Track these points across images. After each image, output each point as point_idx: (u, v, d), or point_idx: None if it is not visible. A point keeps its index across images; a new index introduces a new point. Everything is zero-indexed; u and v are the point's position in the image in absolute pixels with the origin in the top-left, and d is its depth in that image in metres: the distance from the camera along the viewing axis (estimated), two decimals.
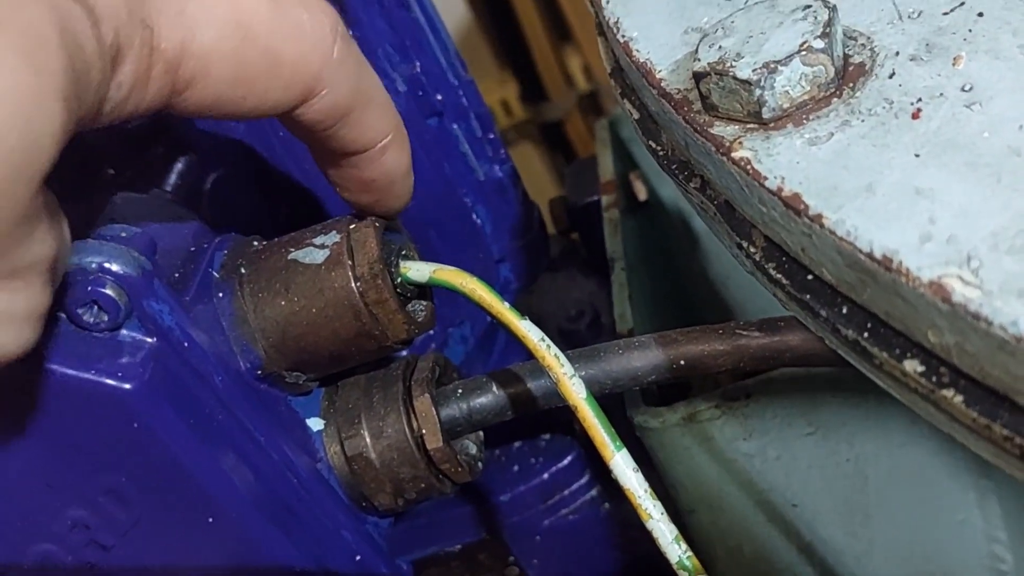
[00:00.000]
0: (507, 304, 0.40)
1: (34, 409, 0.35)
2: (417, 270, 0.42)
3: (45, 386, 0.35)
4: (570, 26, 1.40)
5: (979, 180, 0.26)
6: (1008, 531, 0.48)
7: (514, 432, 0.59)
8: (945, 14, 0.32)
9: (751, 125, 0.32)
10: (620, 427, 0.39)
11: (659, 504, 0.38)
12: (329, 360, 0.43)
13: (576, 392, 0.39)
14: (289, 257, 0.42)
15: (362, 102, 0.38)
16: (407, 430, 0.44)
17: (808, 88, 0.31)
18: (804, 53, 0.31)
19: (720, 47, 0.32)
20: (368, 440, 0.44)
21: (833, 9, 0.32)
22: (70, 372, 0.35)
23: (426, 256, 0.44)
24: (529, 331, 0.40)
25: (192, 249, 0.43)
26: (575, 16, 1.38)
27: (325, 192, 0.54)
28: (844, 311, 0.29)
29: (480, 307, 0.40)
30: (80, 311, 0.35)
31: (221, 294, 0.42)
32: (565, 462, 0.57)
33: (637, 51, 0.37)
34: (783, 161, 0.30)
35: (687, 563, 0.38)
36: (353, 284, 0.41)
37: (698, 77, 0.33)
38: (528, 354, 0.40)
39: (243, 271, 0.43)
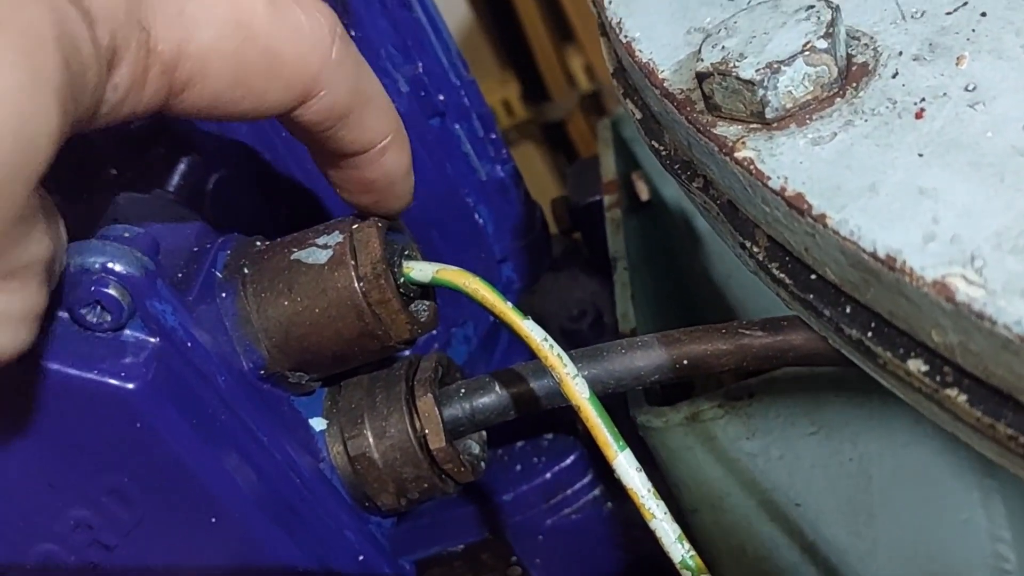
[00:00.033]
0: (510, 304, 0.40)
1: (37, 409, 0.35)
2: (420, 270, 0.42)
3: (48, 386, 0.35)
4: (572, 26, 1.40)
5: (982, 180, 0.26)
6: (1012, 531, 0.47)
7: (517, 432, 0.59)
8: (948, 14, 0.32)
9: (754, 125, 0.32)
10: (623, 427, 0.39)
11: (662, 504, 0.38)
12: (332, 360, 0.43)
13: (579, 392, 0.39)
14: (292, 257, 0.42)
15: (361, 103, 0.38)
16: (410, 430, 0.44)
17: (811, 88, 0.31)
18: (807, 53, 0.31)
19: (723, 47, 0.32)
20: (371, 440, 0.44)
21: (836, 9, 0.32)
22: (73, 372, 0.35)
23: (428, 256, 0.44)
24: (532, 331, 0.40)
25: (195, 249, 0.43)
26: (577, 16, 1.38)
27: (327, 192, 0.53)
28: (847, 311, 0.29)
29: (483, 307, 0.40)
30: (83, 311, 0.35)
31: (224, 294, 0.42)
32: (568, 462, 0.57)
33: (640, 51, 0.37)
34: (786, 161, 0.30)
35: (690, 563, 0.38)
36: (356, 284, 0.41)
37: (701, 77, 0.33)
38: (531, 354, 0.40)
39: (246, 271, 0.43)
